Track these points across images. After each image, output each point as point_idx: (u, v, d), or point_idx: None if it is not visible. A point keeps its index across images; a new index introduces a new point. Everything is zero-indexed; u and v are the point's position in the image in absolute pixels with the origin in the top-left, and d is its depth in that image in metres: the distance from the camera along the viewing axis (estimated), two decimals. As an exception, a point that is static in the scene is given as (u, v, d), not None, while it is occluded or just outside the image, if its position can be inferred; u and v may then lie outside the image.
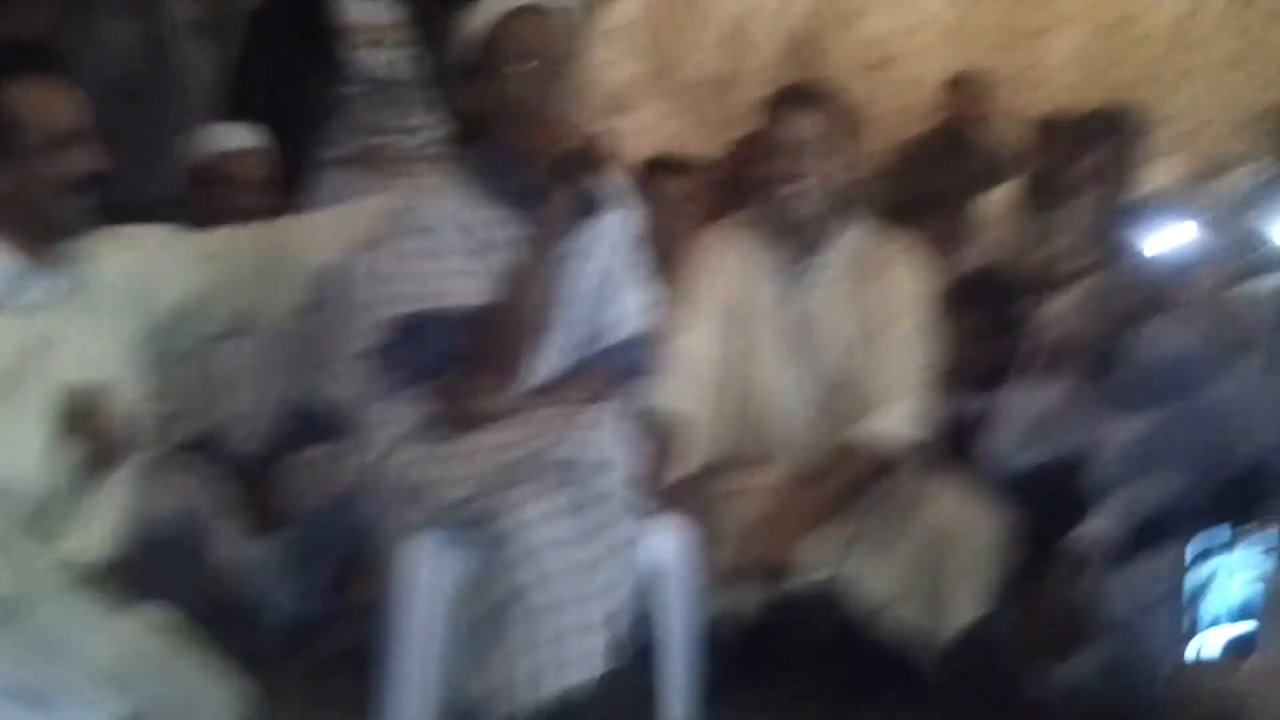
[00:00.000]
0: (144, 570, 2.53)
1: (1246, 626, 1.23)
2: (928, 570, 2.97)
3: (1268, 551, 1.23)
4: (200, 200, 3.47)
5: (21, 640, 2.06)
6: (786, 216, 3.22)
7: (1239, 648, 1.23)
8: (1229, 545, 1.26)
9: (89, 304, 2.42)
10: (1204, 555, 1.22)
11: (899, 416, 3.11)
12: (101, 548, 2.43)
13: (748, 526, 3.03)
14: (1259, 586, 1.22)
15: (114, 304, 2.47)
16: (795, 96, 3.30)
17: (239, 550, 3.24)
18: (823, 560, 3.02)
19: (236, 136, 3.57)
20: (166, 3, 4.59)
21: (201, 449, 3.33)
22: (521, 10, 2.64)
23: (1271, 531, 1.37)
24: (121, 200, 2.49)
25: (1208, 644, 1.23)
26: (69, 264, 2.40)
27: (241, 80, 3.99)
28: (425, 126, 3.81)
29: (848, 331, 3.21)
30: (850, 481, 3.10)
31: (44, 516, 2.27)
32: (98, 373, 2.39)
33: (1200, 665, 1.21)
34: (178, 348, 2.74)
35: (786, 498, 3.08)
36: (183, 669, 2.35)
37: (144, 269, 2.52)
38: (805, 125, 3.18)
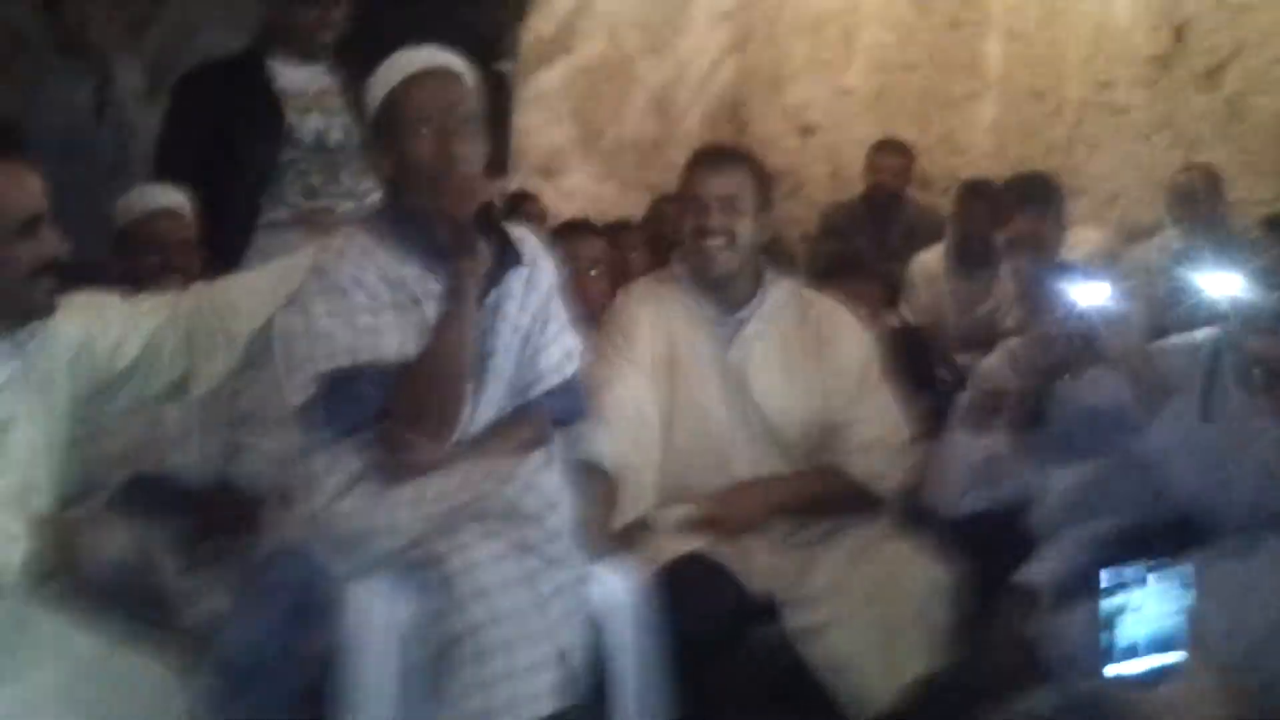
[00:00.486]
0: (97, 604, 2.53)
1: (1165, 658, 1.28)
2: (877, 621, 3.00)
3: (1185, 586, 1.27)
4: (127, 261, 3.45)
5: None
6: (707, 272, 3.26)
7: (1155, 678, 1.28)
8: (1142, 580, 1.30)
9: (40, 378, 2.42)
10: (1117, 588, 1.26)
11: (881, 461, 3.20)
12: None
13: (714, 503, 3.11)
14: (1181, 619, 1.26)
15: (62, 374, 2.47)
16: (712, 156, 3.38)
17: (187, 591, 3.22)
18: (776, 570, 3.07)
19: (161, 197, 3.55)
20: (115, 68, 4.59)
21: (146, 490, 3.29)
22: (420, 75, 2.68)
23: (1186, 567, 1.41)
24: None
25: (1124, 670, 1.27)
26: (25, 342, 2.40)
27: (174, 143, 3.98)
28: (360, 190, 3.82)
29: (794, 384, 3.26)
30: (821, 494, 3.18)
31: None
32: (50, 447, 2.41)
33: (1119, 686, 1.25)
34: (118, 409, 2.74)
35: (758, 481, 3.18)
36: (138, 683, 2.34)
37: (90, 337, 2.52)
38: (721, 183, 3.24)
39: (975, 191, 6.02)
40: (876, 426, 3.25)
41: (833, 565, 3.10)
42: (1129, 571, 1.31)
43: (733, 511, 3.11)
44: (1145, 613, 1.32)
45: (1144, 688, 1.27)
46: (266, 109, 3.83)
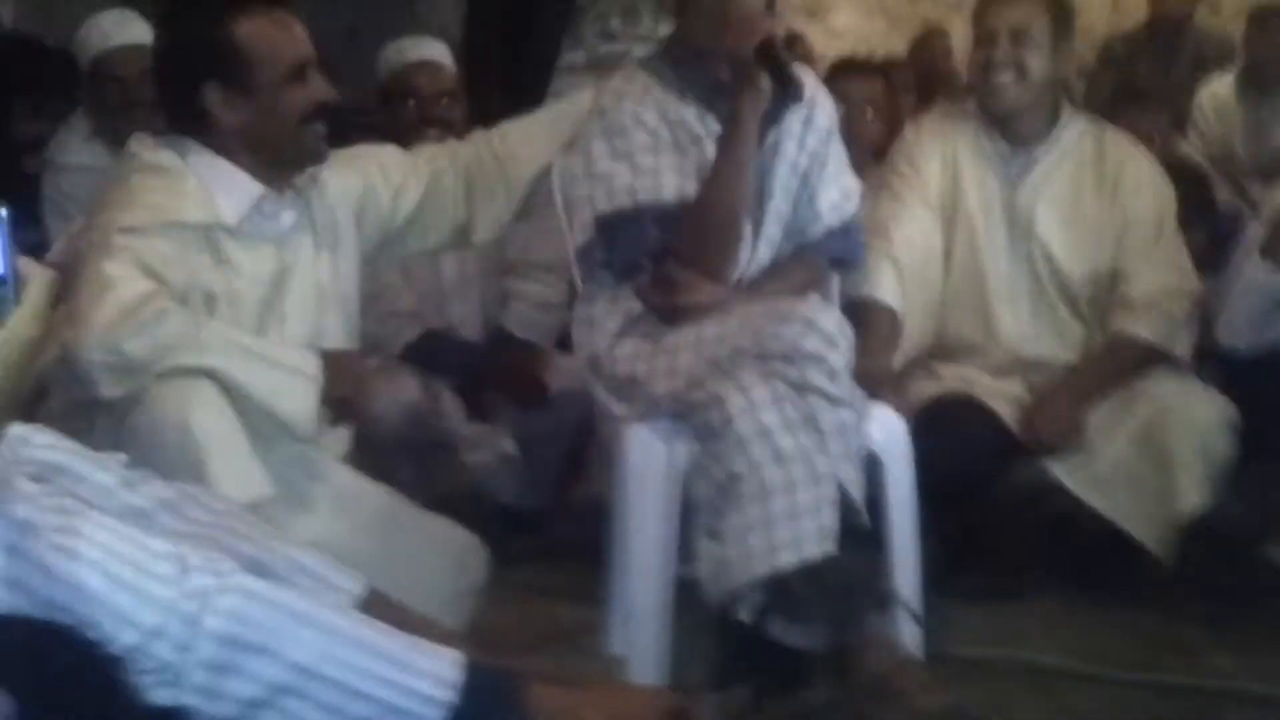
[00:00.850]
0: (382, 457, 2.65)
1: None
2: (1144, 462, 2.96)
3: None
4: (391, 112, 3.54)
5: (275, 514, 2.13)
6: (995, 106, 3.19)
7: None
8: None
9: (319, 229, 2.50)
10: None
11: (1171, 318, 3.13)
12: (339, 442, 2.54)
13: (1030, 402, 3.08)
14: None
15: (341, 226, 2.54)
16: None
17: (470, 438, 3.35)
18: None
19: (419, 50, 3.61)
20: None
21: (425, 349, 3.42)
22: None
23: None
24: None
25: None
26: (302, 191, 2.47)
27: None
28: (660, 34, 3.81)
29: (1082, 230, 3.19)
30: (1126, 370, 3.11)
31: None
32: (332, 299, 2.49)
33: None
34: (398, 258, 2.81)
35: (1067, 381, 3.12)
36: (424, 538, 2.47)
37: (366, 189, 2.59)
38: (1011, 13, 3.15)
39: (1268, 15, 5.71)
40: (1164, 279, 3.16)
41: (1100, 411, 3.06)
42: None
43: (1049, 427, 3.05)
44: None
45: None
46: None
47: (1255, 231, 3.49)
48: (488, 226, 2.80)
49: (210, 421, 2.17)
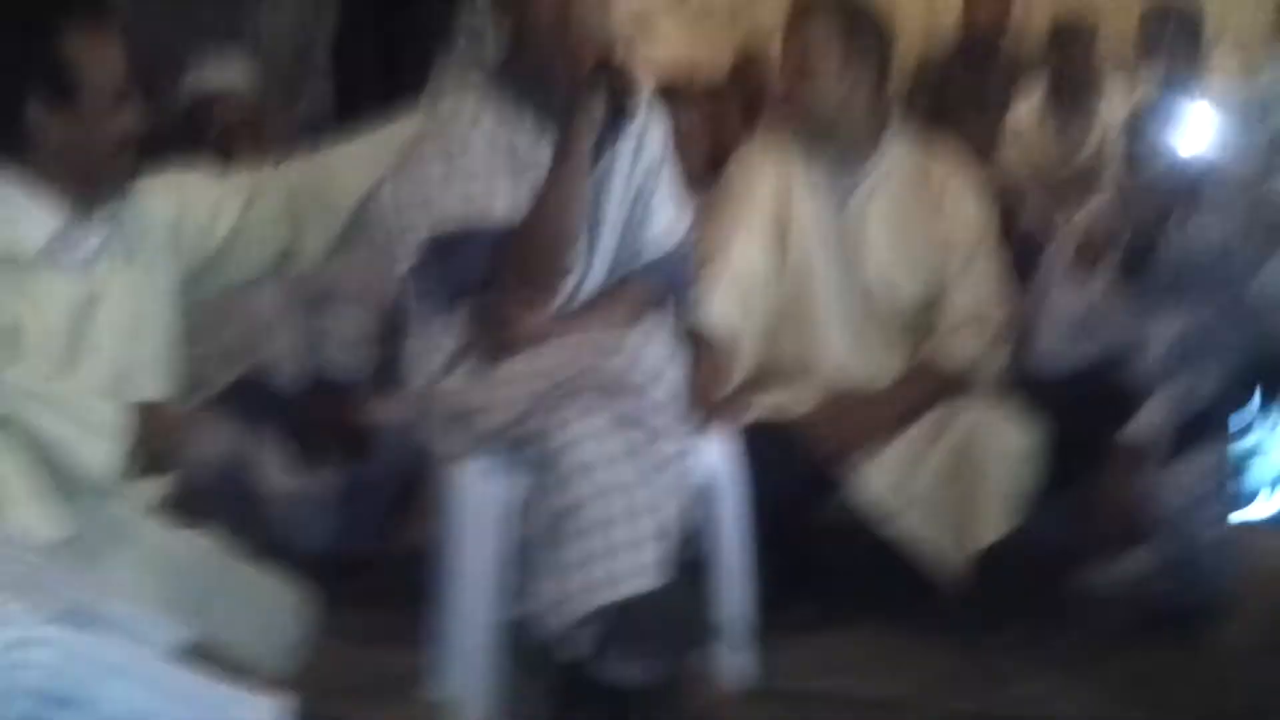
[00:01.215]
0: (196, 507, 2.57)
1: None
2: (955, 486, 3.02)
3: None
4: (195, 138, 3.45)
5: (81, 568, 2.06)
6: (796, 124, 3.23)
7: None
8: (1268, 422, 1.25)
9: (133, 255, 2.42)
10: (1245, 429, 1.21)
11: (981, 341, 3.18)
12: (152, 492, 2.46)
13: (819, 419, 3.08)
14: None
15: (156, 250, 2.47)
16: (804, 6, 3.30)
17: (288, 487, 3.27)
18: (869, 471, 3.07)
19: (218, 78, 3.56)
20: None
21: (246, 389, 3.35)
22: None
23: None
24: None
25: (1254, 512, 1.23)
26: (115, 216, 2.39)
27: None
28: None
29: (907, 248, 3.23)
30: (925, 396, 3.15)
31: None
32: (145, 329, 2.41)
33: (1248, 530, 1.22)
34: (217, 289, 2.75)
35: (859, 400, 3.14)
36: (244, 588, 2.39)
37: (185, 214, 2.52)
38: (809, 31, 3.19)
39: (1066, 33, 5.90)
40: (977, 301, 3.21)
41: (910, 440, 3.11)
42: (1256, 415, 1.26)
43: (835, 430, 3.08)
44: (1271, 455, 1.27)
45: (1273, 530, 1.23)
46: None
47: (1063, 251, 3.60)
48: (312, 251, 2.73)
49: (3, 467, 2.10)
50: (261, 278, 2.84)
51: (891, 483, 3.06)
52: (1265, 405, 1.21)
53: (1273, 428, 1.26)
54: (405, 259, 2.64)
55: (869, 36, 3.22)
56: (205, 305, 3.08)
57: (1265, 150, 4.48)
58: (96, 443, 2.20)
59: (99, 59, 2.30)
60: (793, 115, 3.21)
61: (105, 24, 2.34)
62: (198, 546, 2.42)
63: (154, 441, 2.27)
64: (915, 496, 3.04)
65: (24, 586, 1.70)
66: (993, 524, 2.94)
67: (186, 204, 2.53)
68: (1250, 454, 1.25)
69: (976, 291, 3.22)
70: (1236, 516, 1.20)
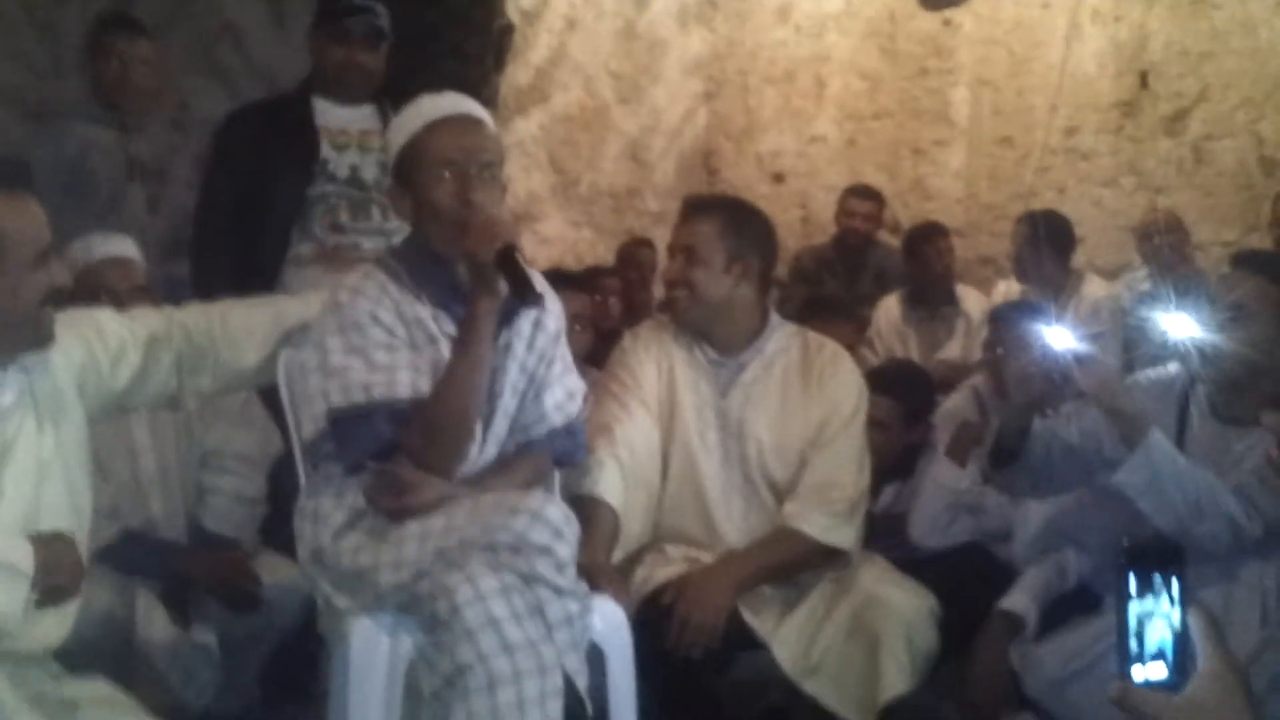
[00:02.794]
0: (80, 658, 2.55)
1: (1162, 670, 1.33)
2: (854, 649, 3.06)
3: (1178, 601, 1.32)
4: (86, 301, 3.40)
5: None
6: (676, 319, 3.32)
7: (1173, 685, 1.33)
8: (1156, 588, 1.34)
9: (40, 401, 2.45)
10: (1140, 594, 1.30)
11: (836, 523, 3.21)
12: (46, 642, 2.45)
13: (684, 585, 3.09)
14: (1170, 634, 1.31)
15: (64, 395, 2.49)
16: (686, 206, 3.43)
17: (169, 640, 3.23)
18: (760, 627, 3.11)
19: (106, 246, 3.55)
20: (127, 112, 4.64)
21: (129, 543, 3.31)
22: (442, 120, 2.74)
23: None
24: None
25: (1140, 677, 1.32)
26: (30, 366, 2.43)
27: (215, 184, 4.06)
28: (389, 228, 3.88)
29: (784, 434, 3.30)
30: (785, 558, 3.20)
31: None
32: (55, 473, 2.43)
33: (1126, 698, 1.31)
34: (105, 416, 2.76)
35: (720, 562, 3.18)
36: None
37: (87, 357, 2.55)
38: (684, 233, 3.29)
39: (926, 234, 6.17)
40: (834, 473, 3.25)
41: (812, 603, 3.16)
42: (1153, 575, 1.36)
43: (699, 594, 3.07)
44: (1168, 617, 1.37)
45: (1163, 694, 1.32)
46: (302, 142, 3.92)
47: (938, 436, 3.76)
48: (193, 398, 2.80)
49: None
50: (155, 407, 2.89)
51: (796, 646, 3.10)
52: (1140, 584, 1.29)
53: (1145, 605, 1.34)
54: (308, 427, 2.68)
55: (740, 244, 3.29)
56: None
57: (1125, 347, 4.74)
58: (3, 586, 2.20)
59: (22, 226, 2.36)
60: (681, 307, 3.29)
61: (25, 192, 2.41)
62: (102, 690, 2.42)
63: (54, 573, 2.29)
64: (819, 659, 3.08)
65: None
66: (896, 683, 2.97)
67: (92, 347, 2.56)
68: (1124, 629, 1.34)
69: (834, 465, 3.26)
70: (1138, 674, 1.27)
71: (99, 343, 2.59)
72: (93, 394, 2.57)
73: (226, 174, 4.02)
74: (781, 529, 3.23)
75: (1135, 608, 1.36)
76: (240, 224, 3.84)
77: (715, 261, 3.25)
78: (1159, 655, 1.36)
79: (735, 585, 3.12)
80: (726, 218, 3.32)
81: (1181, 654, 1.36)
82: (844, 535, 3.22)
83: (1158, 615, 1.36)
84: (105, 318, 2.68)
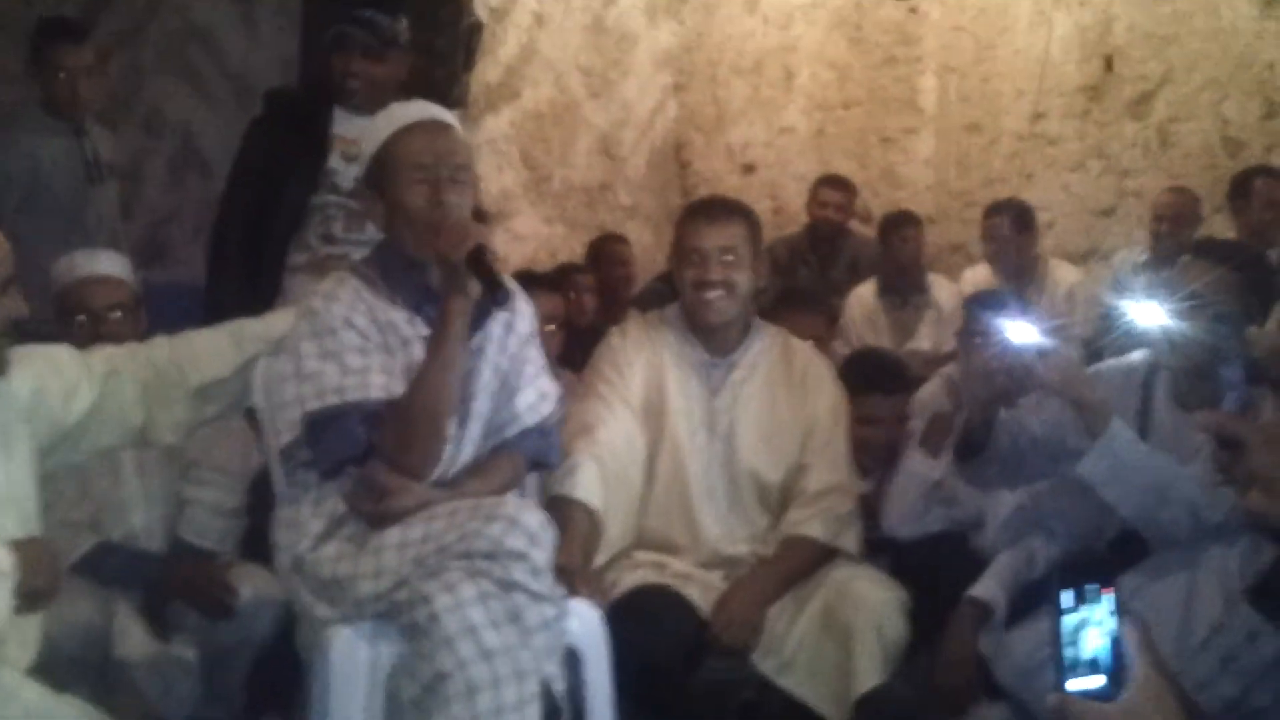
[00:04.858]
0: (59, 673, 2.57)
1: (1098, 680, 1.37)
2: (827, 643, 3.10)
3: (1112, 612, 1.35)
4: (63, 326, 3.43)
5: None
6: (708, 320, 3.36)
7: (1111, 692, 1.36)
8: (1098, 596, 1.37)
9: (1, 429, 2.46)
10: (1073, 604, 1.33)
11: (841, 527, 3.30)
12: (23, 655, 2.47)
13: (717, 609, 3.16)
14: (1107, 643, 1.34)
15: (11, 426, 2.50)
16: (710, 209, 3.46)
17: (148, 656, 3.24)
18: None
19: (92, 264, 3.53)
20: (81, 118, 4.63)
21: (107, 555, 3.31)
22: (413, 126, 2.77)
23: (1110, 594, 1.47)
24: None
25: (1082, 685, 1.35)
26: None
27: (236, 179, 4.06)
28: (375, 239, 3.89)
29: (773, 435, 3.36)
30: (799, 566, 3.27)
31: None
32: (3, 503, 2.43)
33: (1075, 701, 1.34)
34: (72, 461, 2.78)
35: (745, 581, 3.24)
36: None
37: (37, 389, 2.56)
38: (720, 235, 3.32)
39: (899, 222, 6.21)
40: (833, 477, 3.34)
41: (784, 600, 3.21)
42: (1086, 588, 1.39)
43: (732, 620, 3.16)
44: (1102, 628, 1.41)
45: (1102, 701, 1.36)
46: (313, 151, 3.91)
47: (913, 427, 3.79)
48: (167, 430, 2.79)
49: None
50: (120, 448, 2.88)
51: (769, 643, 3.15)
52: (1075, 596, 1.31)
53: (1080, 616, 1.36)
54: (284, 434, 2.70)
55: (757, 240, 3.38)
56: (68, 474, 3.11)
57: (1089, 338, 4.78)
58: None
59: None
60: (719, 307, 3.32)
61: None
62: (73, 709, 2.42)
63: (33, 575, 2.31)
64: (793, 654, 3.12)
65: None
66: (868, 675, 3.00)
67: (44, 381, 2.57)
68: (1079, 625, 1.36)
69: (831, 469, 3.35)
70: (1074, 685, 1.29)
71: (54, 377, 2.60)
72: (43, 426, 2.57)
73: (243, 178, 4.02)
74: (791, 537, 3.30)
75: (1070, 620, 1.40)
76: (252, 229, 3.85)
77: (750, 263, 3.34)
78: (1094, 666, 1.40)
79: (765, 604, 3.20)
80: (750, 220, 3.42)
81: (1117, 664, 1.40)
82: (849, 539, 3.31)
83: (1092, 625, 1.41)
84: (62, 354, 2.68)
